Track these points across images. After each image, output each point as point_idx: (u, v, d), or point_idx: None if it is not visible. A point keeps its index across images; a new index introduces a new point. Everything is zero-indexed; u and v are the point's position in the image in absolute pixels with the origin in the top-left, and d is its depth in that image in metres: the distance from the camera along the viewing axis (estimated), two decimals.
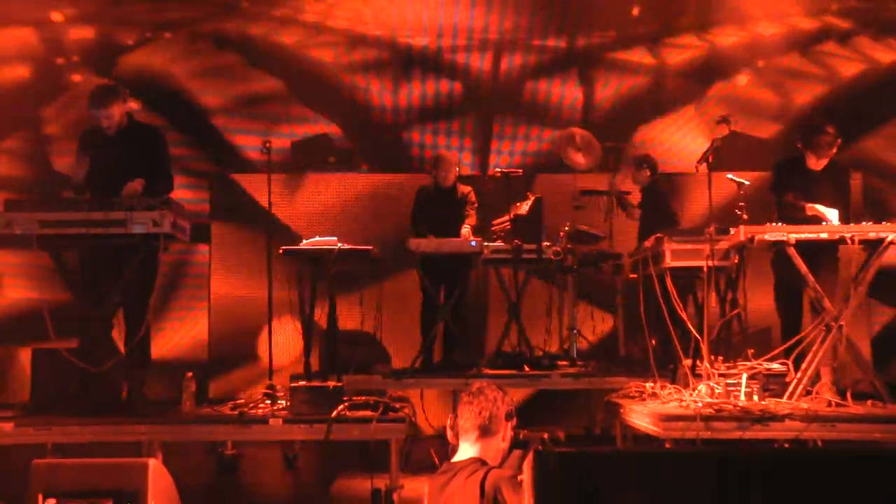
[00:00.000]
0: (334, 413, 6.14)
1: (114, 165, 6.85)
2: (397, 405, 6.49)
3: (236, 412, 6.49)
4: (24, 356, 9.43)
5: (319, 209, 10.63)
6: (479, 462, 4.50)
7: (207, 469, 7.26)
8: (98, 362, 6.47)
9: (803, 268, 6.75)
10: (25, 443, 6.14)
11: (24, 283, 10.47)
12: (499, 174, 8.79)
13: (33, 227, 6.42)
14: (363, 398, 6.49)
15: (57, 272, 6.84)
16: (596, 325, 9.71)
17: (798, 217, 7.16)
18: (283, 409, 6.51)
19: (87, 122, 7.20)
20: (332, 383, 6.55)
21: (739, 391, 6.53)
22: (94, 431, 6.23)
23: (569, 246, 8.72)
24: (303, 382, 6.57)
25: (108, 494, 5.02)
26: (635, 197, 9.50)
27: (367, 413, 6.23)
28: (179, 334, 10.66)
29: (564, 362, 8.53)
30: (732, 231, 7.16)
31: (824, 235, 6.89)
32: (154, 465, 5.21)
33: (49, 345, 6.85)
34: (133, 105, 7.11)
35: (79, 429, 6.19)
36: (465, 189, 8.82)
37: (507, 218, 8.54)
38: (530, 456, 3.70)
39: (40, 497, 5.03)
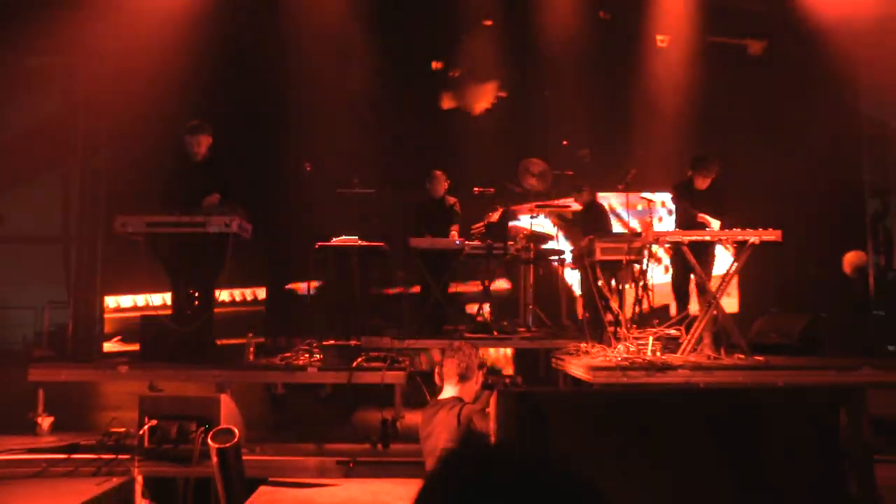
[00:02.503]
0: (354, 364, 6.20)
1: (198, 183, 6.92)
2: (400, 359, 6.55)
3: (283, 363, 6.55)
4: None
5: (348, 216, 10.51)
6: (458, 399, 4.60)
7: (263, 403, 7.32)
8: (184, 324, 6.57)
9: (693, 260, 6.83)
10: (134, 381, 6.23)
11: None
12: (477, 191, 8.87)
13: (141, 226, 6.53)
14: (375, 354, 6.56)
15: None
16: (546, 302, 9.75)
17: (693, 224, 7.24)
18: (317, 360, 6.57)
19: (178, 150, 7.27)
20: (353, 342, 6.61)
21: (647, 349, 6.61)
22: (183, 374, 6.34)
23: (527, 244, 8.77)
24: (332, 341, 6.62)
25: (192, 418, 5.09)
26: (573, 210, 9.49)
27: (379, 364, 6.29)
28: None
29: (522, 329, 8.58)
30: (643, 234, 7.23)
31: (708, 238, 7.01)
32: (224, 398, 5.28)
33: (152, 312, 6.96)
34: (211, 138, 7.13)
35: (172, 372, 6.28)
36: (452, 200, 8.84)
37: (482, 224, 8.58)
38: (495, 394, 3.76)
39: (146, 419, 5.10)
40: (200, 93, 10.10)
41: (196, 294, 6.83)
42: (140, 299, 10.78)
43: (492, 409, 3.71)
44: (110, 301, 10.93)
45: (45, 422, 5.95)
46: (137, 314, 8.83)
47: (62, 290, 11.12)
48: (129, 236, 6.67)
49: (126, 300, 10.89)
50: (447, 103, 11.34)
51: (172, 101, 10.70)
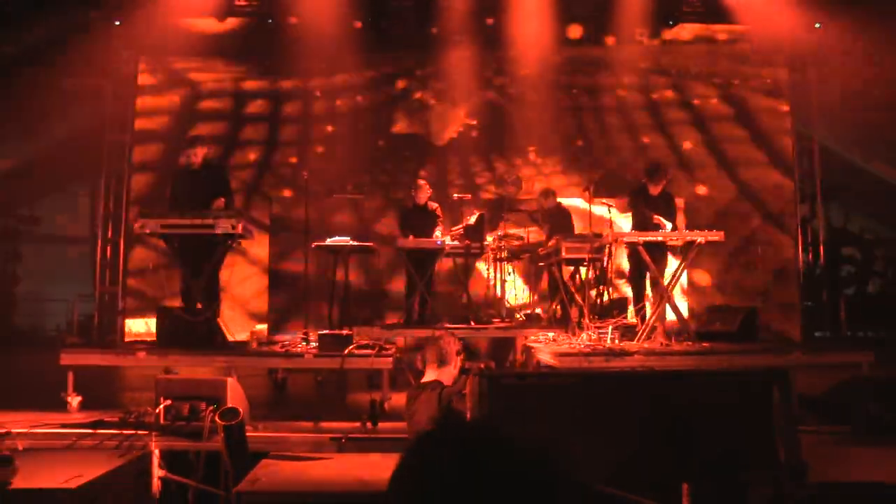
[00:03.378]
0: (346, 350, 6.17)
1: (198, 190, 7.00)
2: (387, 346, 6.52)
3: (283, 350, 6.53)
4: None
5: (342, 218, 10.54)
6: (438, 383, 4.61)
7: (265, 385, 7.29)
8: (195, 315, 6.54)
9: (647, 258, 6.86)
10: (151, 365, 6.20)
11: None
12: (455, 198, 8.88)
13: (157, 227, 6.51)
14: (366, 342, 6.53)
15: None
16: (518, 295, 9.78)
17: (648, 225, 7.26)
18: (313, 348, 6.54)
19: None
20: (345, 331, 6.59)
21: (607, 337, 6.63)
22: (194, 360, 6.31)
23: (501, 244, 8.79)
24: (326, 331, 6.60)
25: (202, 398, 5.07)
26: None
27: (369, 351, 6.27)
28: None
29: (497, 319, 8.59)
30: (604, 235, 7.26)
31: (660, 238, 7.04)
32: (231, 381, 5.26)
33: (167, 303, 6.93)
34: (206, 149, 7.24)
35: (184, 358, 6.25)
36: (434, 205, 8.82)
37: (461, 226, 8.58)
38: (472, 378, 3.76)
39: (161, 399, 5.08)
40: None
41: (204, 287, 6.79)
42: None
43: (468, 391, 3.72)
44: None
45: (75, 401, 5.94)
46: None
47: (90, 284, 11.06)
48: (147, 236, 6.66)
49: None
50: (402, 128, 11.17)
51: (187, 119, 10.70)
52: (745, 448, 3.56)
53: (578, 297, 7.67)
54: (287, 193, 10.78)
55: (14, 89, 10.20)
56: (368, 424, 5.50)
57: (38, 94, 10.38)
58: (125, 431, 5.08)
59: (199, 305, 6.60)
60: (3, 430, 4.92)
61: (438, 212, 8.71)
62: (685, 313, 8.00)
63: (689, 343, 6.64)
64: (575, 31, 10.91)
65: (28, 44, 9.96)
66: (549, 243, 8.26)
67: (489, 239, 8.73)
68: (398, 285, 9.51)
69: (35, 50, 9.99)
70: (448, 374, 4.73)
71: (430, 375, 4.74)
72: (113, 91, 11.01)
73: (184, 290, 6.90)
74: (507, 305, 9.11)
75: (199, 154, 7.18)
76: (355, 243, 7.74)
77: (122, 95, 11.10)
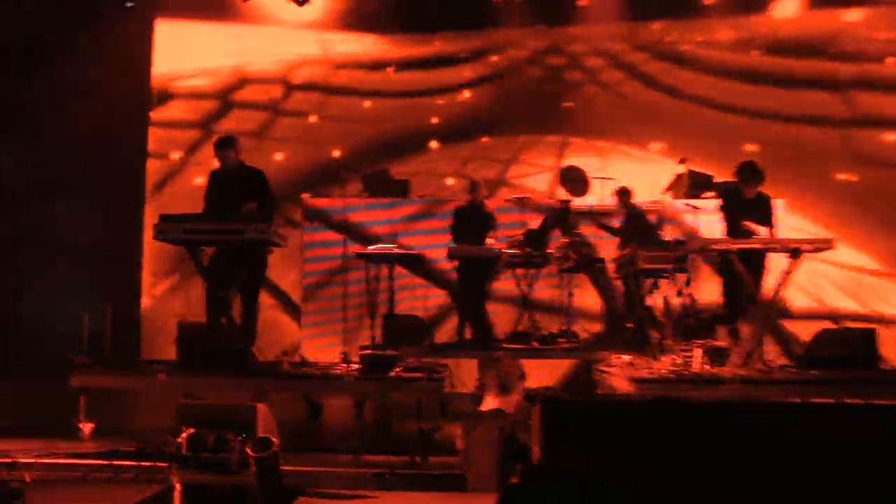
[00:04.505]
0: (392, 374, 6.20)
1: (232, 194, 7.09)
2: (438, 369, 6.54)
3: (320, 372, 6.59)
4: None
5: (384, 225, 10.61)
6: (499, 412, 4.60)
7: (299, 412, 7.34)
8: (220, 332, 6.65)
9: (742, 269, 6.77)
10: (172, 388, 6.31)
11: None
12: (513, 199, 8.89)
13: (178, 234, 6.62)
14: (413, 363, 6.56)
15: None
16: (587, 312, 9.70)
17: (740, 232, 7.17)
18: (354, 370, 6.59)
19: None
20: (390, 352, 6.63)
21: (694, 362, 6.55)
22: (220, 383, 6.41)
23: (568, 253, 8.75)
24: (369, 351, 6.64)
25: (230, 427, 5.11)
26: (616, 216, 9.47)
27: (416, 375, 6.29)
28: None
29: (563, 340, 8.55)
30: (689, 242, 7.19)
31: (758, 246, 6.93)
32: (262, 408, 5.30)
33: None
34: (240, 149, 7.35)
35: (209, 380, 6.35)
36: (490, 208, 8.82)
37: (521, 231, 8.57)
38: (538, 407, 3.74)
39: (183, 427, 5.14)
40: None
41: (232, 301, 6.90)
42: None
43: (534, 421, 3.71)
44: None
45: (87, 427, 6.07)
46: None
47: (101, 297, 11.26)
48: (167, 243, 6.79)
49: None
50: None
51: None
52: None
53: (659, 315, 7.61)
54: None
55: (13, 82, 10.50)
56: (416, 458, 5.53)
57: (40, 87, 10.65)
58: (143, 463, 5.18)
59: (225, 321, 6.70)
60: (8, 460, 5.05)
61: (495, 215, 8.72)
62: (788, 335, 7.88)
63: (794, 370, 6.52)
64: None
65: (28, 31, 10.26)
66: (625, 252, 8.22)
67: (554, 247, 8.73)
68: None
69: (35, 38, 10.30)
70: (510, 402, 4.73)
71: (489, 403, 4.74)
72: (129, 83, 11.25)
73: (209, 305, 7.01)
74: (575, 324, 9.06)
75: (229, 156, 7.24)
76: (401, 251, 7.79)
77: (143, 87, 11.37)
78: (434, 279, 9.67)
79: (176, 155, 11.38)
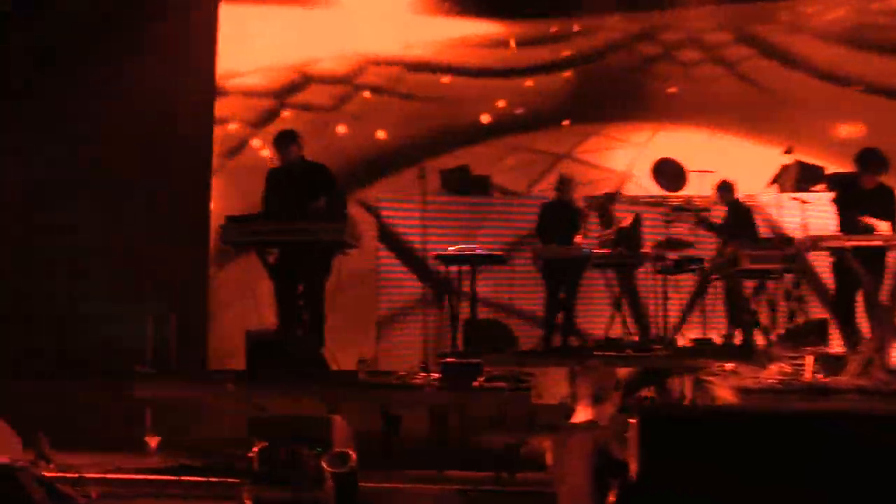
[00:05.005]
0: (475, 383, 6.18)
1: (295, 192, 7.12)
2: (524, 378, 6.51)
3: (399, 381, 6.60)
4: None
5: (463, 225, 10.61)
6: (593, 424, 4.54)
7: (376, 424, 7.36)
8: (293, 340, 6.72)
9: (860, 268, 6.58)
10: (241, 399, 6.39)
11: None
12: (604, 195, 8.81)
13: (246, 235, 6.70)
14: (498, 372, 6.54)
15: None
16: (685, 316, 9.55)
17: (857, 227, 6.97)
18: (434, 379, 6.58)
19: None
20: (473, 360, 6.61)
21: (805, 370, 6.40)
22: (292, 393, 6.45)
23: (663, 252, 8.65)
24: (450, 359, 6.63)
25: (304, 440, 5.16)
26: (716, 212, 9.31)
27: (501, 384, 6.26)
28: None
29: (659, 346, 8.45)
30: (797, 239, 7.03)
31: (879, 243, 6.73)
32: (337, 420, 5.34)
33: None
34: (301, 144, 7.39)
35: (280, 390, 6.41)
36: (579, 205, 8.76)
37: (612, 230, 8.49)
38: (635, 419, 3.70)
39: (255, 440, 5.20)
40: None
41: (304, 307, 6.95)
42: None
43: (632, 435, 3.66)
44: None
45: (153, 441, 6.17)
46: None
47: (166, 302, 11.47)
48: (234, 246, 6.88)
49: None
50: None
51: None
52: None
53: (765, 319, 7.45)
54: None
55: (70, 78, 10.78)
56: (503, 475, 5.49)
57: (99, 83, 10.91)
58: (212, 479, 5.24)
59: (297, 328, 6.76)
60: (74, 475, 5.16)
61: (585, 213, 8.68)
62: None
63: None
64: None
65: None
66: (726, 250, 8.08)
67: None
68: (536, 303, 9.48)
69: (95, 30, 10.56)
70: (604, 414, 4.67)
71: (581, 415, 4.68)
72: (188, 63, 11.45)
73: (279, 311, 7.09)
74: (673, 329, 8.94)
75: (291, 152, 7.29)
76: (484, 252, 7.79)
77: (201, 82, 11.56)
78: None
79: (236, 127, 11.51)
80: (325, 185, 7.27)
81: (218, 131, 11.66)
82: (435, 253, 7.84)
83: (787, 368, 6.50)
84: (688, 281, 9.25)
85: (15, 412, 5.29)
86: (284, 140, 7.34)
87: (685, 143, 10.53)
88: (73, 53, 10.51)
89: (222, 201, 11.26)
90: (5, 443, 4.91)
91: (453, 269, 8.12)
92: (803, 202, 8.07)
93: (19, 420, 5.36)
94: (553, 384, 6.75)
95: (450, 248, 7.87)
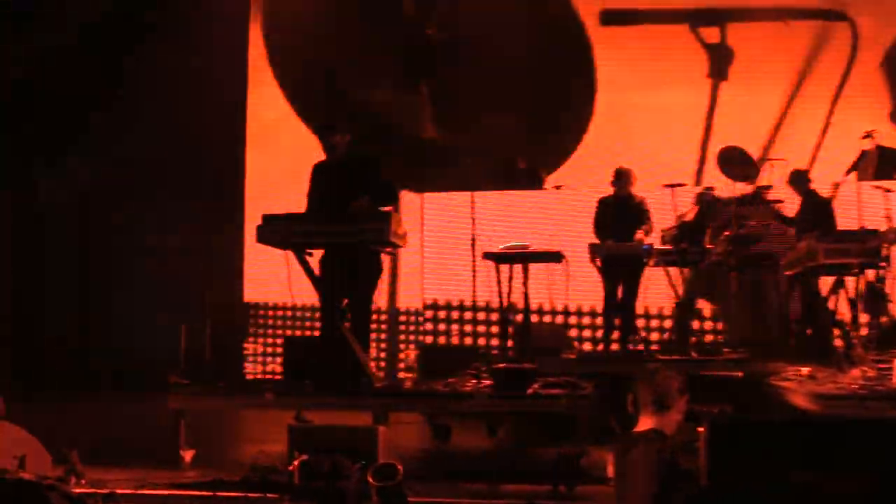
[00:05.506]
0: (530, 390, 6.16)
1: (340, 188, 7.07)
2: (584, 384, 6.48)
3: (448, 389, 6.61)
4: None
5: (511, 221, 10.62)
6: (657, 433, 4.49)
7: (424, 435, 7.39)
8: (333, 346, 6.74)
9: None
10: (281, 409, 6.44)
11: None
12: (665, 186, 8.74)
13: (286, 236, 6.73)
14: (554, 378, 6.51)
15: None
16: (754, 316, 9.45)
17: None
18: (486, 386, 6.57)
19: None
20: (527, 365, 6.59)
21: (892, 375, 6.30)
22: (335, 402, 6.51)
23: (730, 248, 8.56)
24: (502, 364, 6.62)
25: (347, 453, 5.18)
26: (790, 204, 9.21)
27: (558, 391, 6.24)
28: None
29: (728, 349, 8.37)
30: (882, 232, 6.94)
31: None
32: (383, 430, 5.35)
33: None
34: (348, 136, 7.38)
35: (322, 400, 6.45)
36: (640, 197, 8.71)
37: (675, 224, 8.43)
38: (705, 427, 3.66)
39: (296, 453, 5.23)
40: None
41: (348, 312, 6.98)
42: None
43: (701, 445, 3.62)
44: None
45: (188, 454, 6.24)
46: None
47: (198, 309, 11.59)
48: (272, 246, 6.91)
49: None
50: None
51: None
52: None
53: (845, 320, 7.35)
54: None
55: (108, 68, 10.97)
56: (561, 487, 5.47)
57: (127, 76, 11.09)
58: (251, 494, 5.27)
59: (339, 333, 6.78)
60: (105, 490, 5.22)
61: (646, 205, 8.61)
62: None
63: None
64: None
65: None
66: (800, 245, 7.98)
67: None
68: (593, 303, 9.46)
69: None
70: (670, 421, 4.61)
71: (644, 423, 4.63)
72: (222, 58, 11.59)
73: (322, 315, 7.12)
74: (741, 330, 8.86)
75: (338, 144, 7.25)
76: (537, 249, 7.76)
77: (237, 75, 11.70)
78: None
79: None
80: (373, 178, 7.21)
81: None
82: (484, 250, 7.81)
83: (871, 373, 6.40)
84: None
85: (43, 426, 5.37)
86: (330, 129, 7.32)
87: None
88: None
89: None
90: (34, 458, 4.97)
91: (504, 267, 8.07)
92: (886, 190, 7.95)
93: (48, 434, 5.44)
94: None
95: (500, 246, 7.85)
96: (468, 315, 9.96)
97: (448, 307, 10.43)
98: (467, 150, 11.05)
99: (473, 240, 7.63)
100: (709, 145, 10.87)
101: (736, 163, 8.99)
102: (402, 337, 11.05)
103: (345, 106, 11.51)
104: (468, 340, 9.88)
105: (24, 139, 11.19)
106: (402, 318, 11.08)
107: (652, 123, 11.04)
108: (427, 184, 11.07)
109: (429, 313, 10.63)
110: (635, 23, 11.23)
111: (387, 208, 6.93)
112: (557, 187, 10.63)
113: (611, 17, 11.10)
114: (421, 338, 10.61)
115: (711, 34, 11.14)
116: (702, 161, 10.97)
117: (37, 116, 11.21)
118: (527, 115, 11.29)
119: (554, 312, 10.05)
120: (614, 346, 8.61)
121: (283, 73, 11.86)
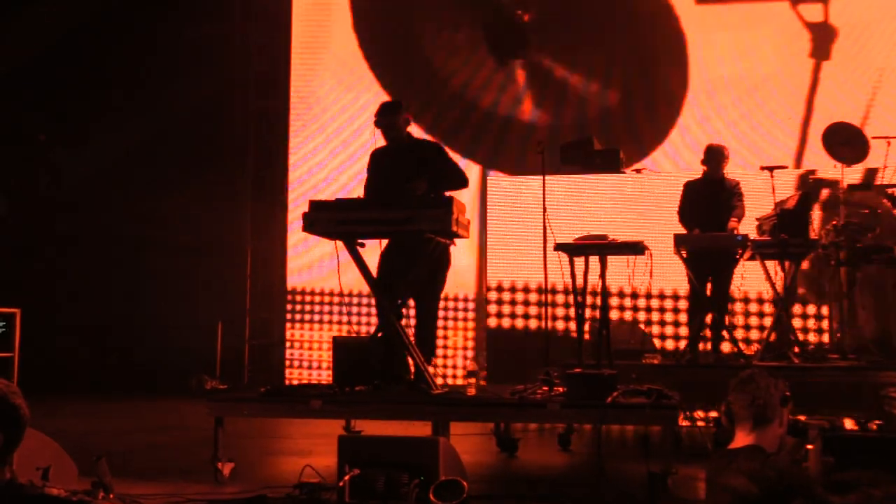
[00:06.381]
0: (609, 399, 6.11)
1: (400, 174, 7.11)
2: (670, 393, 6.41)
3: (516, 397, 6.58)
4: None
5: (586, 208, 10.62)
6: (756, 449, 4.43)
7: (488, 448, 7.39)
8: (389, 348, 6.75)
9: None
10: (329, 419, 6.46)
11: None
12: (763, 168, 8.63)
13: (332, 226, 6.74)
14: (637, 386, 6.45)
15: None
16: (868, 318, 9.31)
17: None
18: (559, 394, 6.54)
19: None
20: (606, 371, 6.54)
21: None
22: (390, 410, 6.51)
23: (838, 240, 8.44)
24: (578, 370, 6.58)
25: (403, 467, 5.18)
26: None
27: (641, 400, 6.17)
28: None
29: (835, 355, 8.25)
30: None
31: None
32: (444, 442, 5.34)
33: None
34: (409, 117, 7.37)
35: (375, 408, 6.46)
36: (733, 181, 8.61)
37: (773, 212, 8.32)
38: (815, 443, 3.60)
39: (346, 466, 5.25)
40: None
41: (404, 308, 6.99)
42: None
43: (813, 462, 3.57)
44: None
45: (226, 468, 6.28)
46: None
47: (238, 307, 11.69)
48: (319, 236, 6.94)
49: None
50: None
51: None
52: None
53: None
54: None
55: (117, 50, 11.11)
56: None
57: (154, 51, 11.20)
58: None
59: (396, 334, 6.78)
60: None
61: (739, 189, 8.50)
62: None
63: None
64: None
65: None
66: None
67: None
68: (679, 301, 9.40)
69: None
70: (770, 436, 4.55)
71: (741, 438, 4.57)
72: (259, 39, 11.68)
73: (378, 314, 7.11)
74: (853, 334, 8.73)
75: (394, 125, 7.26)
76: (618, 240, 7.70)
77: (274, 43, 11.77)
78: None
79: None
80: (437, 162, 7.25)
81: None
82: (556, 241, 7.77)
83: None
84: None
85: (70, 432, 5.45)
86: (387, 112, 7.32)
87: None
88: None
89: None
90: (59, 469, 5.03)
91: (578, 260, 8.02)
92: None
93: (75, 442, 5.52)
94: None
95: (575, 237, 7.79)
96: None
97: (512, 289, 10.49)
98: (552, 132, 11.08)
99: (545, 227, 7.55)
100: (809, 126, 10.80)
101: (845, 142, 8.85)
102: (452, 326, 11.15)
103: (430, 80, 11.60)
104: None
105: (45, 122, 11.37)
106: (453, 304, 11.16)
107: (747, 103, 11.01)
108: (502, 164, 11.15)
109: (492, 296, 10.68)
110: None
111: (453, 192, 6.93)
112: (638, 170, 10.60)
113: None
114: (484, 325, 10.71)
115: (813, 12, 11.08)
116: (802, 142, 10.89)
117: (58, 97, 11.37)
118: (619, 96, 11.31)
119: (635, 309, 10.07)
120: (703, 349, 8.50)
121: (369, 41, 11.96)
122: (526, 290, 10.59)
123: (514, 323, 10.66)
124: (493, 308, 10.78)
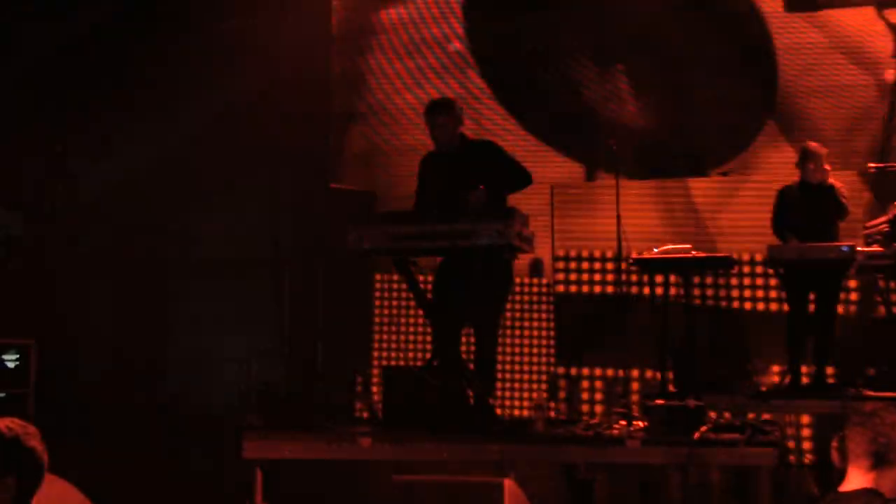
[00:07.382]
0: (696, 435, 6.04)
1: (456, 181, 7.07)
2: (767, 428, 6.33)
3: (590, 432, 6.52)
4: None
5: (664, 215, 10.53)
6: (874, 494, 4.31)
7: (559, 491, 7.31)
8: (446, 378, 6.69)
9: None
10: (381, 459, 6.41)
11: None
12: (873, 170, 8.51)
13: (383, 241, 6.69)
14: (728, 419, 6.39)
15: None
16: None
17: None
18: (639, 429, 6.47)
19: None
20: (692, 402, 6.46)
21: None
22: (448, 449, 6.45)
23: None
24: (660, 401, 6.51)
25: None
26: None
27: (734, 436, 6.10)
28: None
29: None
30: None
31: None
32: (510, 484, 5.31)
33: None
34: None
35: (433, 446, 6.40)
36: (835, 184, 8.48)
37: (884, 219, 8.20)
38: None
39: None
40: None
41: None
42: None
43: None
44: None
45: None
46: None
47: (274, 333, 11.68)
48: (368, 255, 6.90)
49: None
50: None
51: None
52: None
53: None
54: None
55: (146, 47, 11.19)
56: None
57: (180, 50, 11.27)
58: None
59: (453, 362, 6.75)
60: None
61: (843, 192, 8.40)
62: None
63: None
64: None
65: None
66: None
67: None
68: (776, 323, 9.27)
69: None
70: (890, 480, 4.44)
71: (855, 479, 4.47)
72: (297, 34, 11.72)
73: (433, 339, 7.08)
74: None
75: (446, 127, 7.20)
76: (703, 254, 7.63)
77: (315, 39, 11.80)
78: None
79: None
80: (498, 163, 7.20)
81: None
82: (634, 255, 7.71)
83: None
84: None
85: (95, 481, 5.42)
86: (436, 112, 7.29)
87: None
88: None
89: None
90: None
91: (658, 277, 7.97)
92: None
93: (100, 491, 5.50)
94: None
95: (654, 250, 7.73)
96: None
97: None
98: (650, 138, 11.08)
99: (619, 237, 7.48)
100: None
101: None
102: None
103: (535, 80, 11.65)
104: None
105: (62, 130, 11.48)
106: None
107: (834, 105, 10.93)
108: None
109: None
110: (827, 7, 11.22)
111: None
112: (724, 173, 10.48)
113: (797, 4, 11.09)
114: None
115: None
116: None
117: (77, 104, 11.47)
118: (716, 101, 11.28)
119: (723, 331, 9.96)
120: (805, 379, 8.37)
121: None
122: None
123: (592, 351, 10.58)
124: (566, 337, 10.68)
